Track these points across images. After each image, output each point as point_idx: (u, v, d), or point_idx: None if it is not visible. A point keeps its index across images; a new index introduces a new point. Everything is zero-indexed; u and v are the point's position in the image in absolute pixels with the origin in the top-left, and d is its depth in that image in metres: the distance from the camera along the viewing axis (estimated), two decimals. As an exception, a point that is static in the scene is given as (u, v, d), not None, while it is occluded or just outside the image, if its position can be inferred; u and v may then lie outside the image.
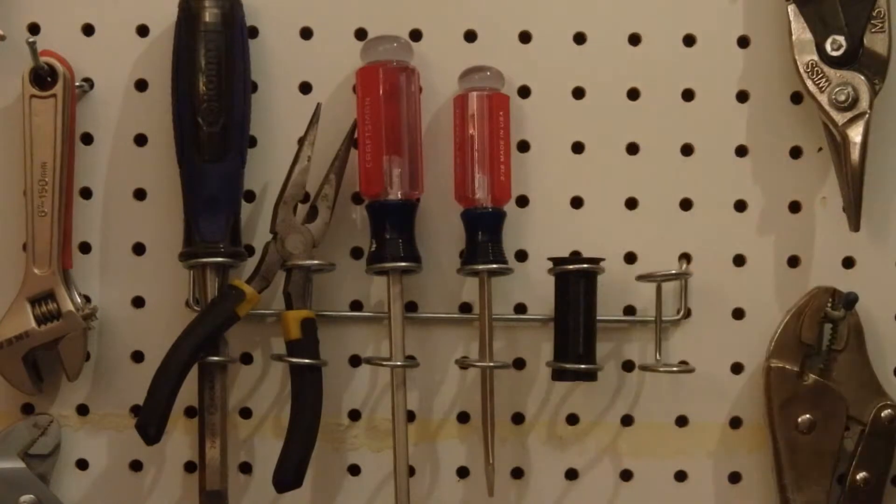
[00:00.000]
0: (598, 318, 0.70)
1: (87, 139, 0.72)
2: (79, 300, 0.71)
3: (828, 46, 0.70)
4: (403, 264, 0.69)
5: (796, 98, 0.72)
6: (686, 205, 0.73)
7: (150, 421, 0.66)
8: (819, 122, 0.71)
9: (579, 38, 0.72)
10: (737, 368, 0.73)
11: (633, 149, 0.73)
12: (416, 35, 0.72)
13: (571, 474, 0.73)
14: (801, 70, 0.70)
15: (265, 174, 0.72)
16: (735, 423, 0.73)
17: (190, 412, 0.73)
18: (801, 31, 0.70)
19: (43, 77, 0.69)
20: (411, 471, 0.72)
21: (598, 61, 0.72)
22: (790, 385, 0.71)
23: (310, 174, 0.69)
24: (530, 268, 0.73)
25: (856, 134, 0.69)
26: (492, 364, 0.70)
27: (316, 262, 0.70)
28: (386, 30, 0.71)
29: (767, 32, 0.72)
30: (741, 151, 0.73)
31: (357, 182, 0.70)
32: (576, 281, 0.69)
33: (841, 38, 0.69)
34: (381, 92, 0.68)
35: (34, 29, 0.72)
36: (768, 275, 0.73)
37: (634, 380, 0.73)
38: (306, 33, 0.72)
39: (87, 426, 0.73)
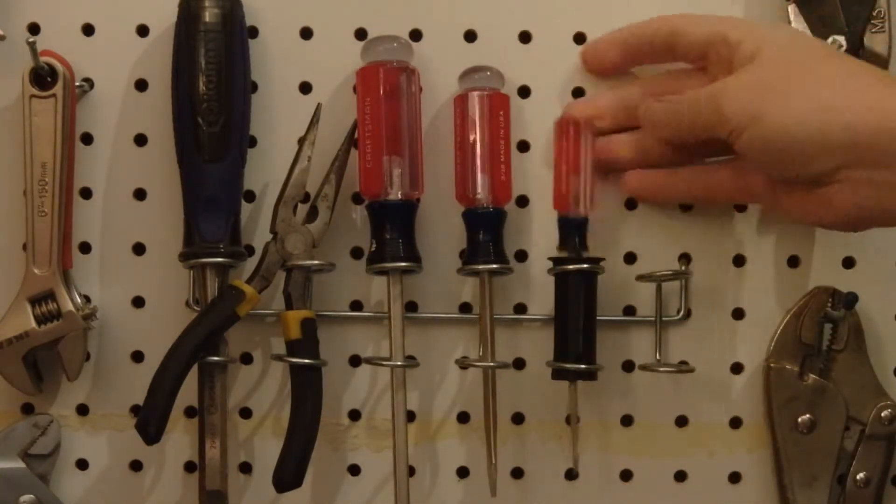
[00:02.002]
0: (598, 318, 0.70)
1: (87, 139, 0.72)
2: (79, 300, 0.71)
3: (828, 47, 0.70)
4: (403, 264, 0.69)
5: (796, 98, 0.72)
6: (686, 205, 0.73)
7: (150, 421, 0.66)
8: (819, 121, 0.71)
9: (579, 38, 0.72)
10: (737, 368, 0.73)
11: (633, 149, 0.73)
12: (416, 35, 0.72)
13: (571, 474, 0.73)
14: (802, 70, 0.70)
15: (265, 174, 0.72)
16: (735, 423, 0.73)
17: (190, 412, 0.73)
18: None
19: (43, 77, 0.69)
20: (411, 471, 0.72)
21: (598, 61, 0.72)
22: (790, 385, 0.71)
23: (310, 174, 0.69)
24: (530, 268, 0.73)
25: (856, 134, 0.69)
26: (492, 364, 0.70)
27: (316, 262, 0.70)
28: (386, 30, 0.71)
29: (767, 32, 0.72)
30: (741, 151, 0.72)
31: (357, 182, 0.70)
32: (576, 281, 0.69)
33: (841, 38, 0.69)
34: (381, 92, 0.68)
35: (34, 29, 0.72)
36: (768, 275, 0.73)
37: (634, 380, 0.73)
38: (306, 33, 0.72)
39: (87, 426, 0.73)
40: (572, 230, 0.69)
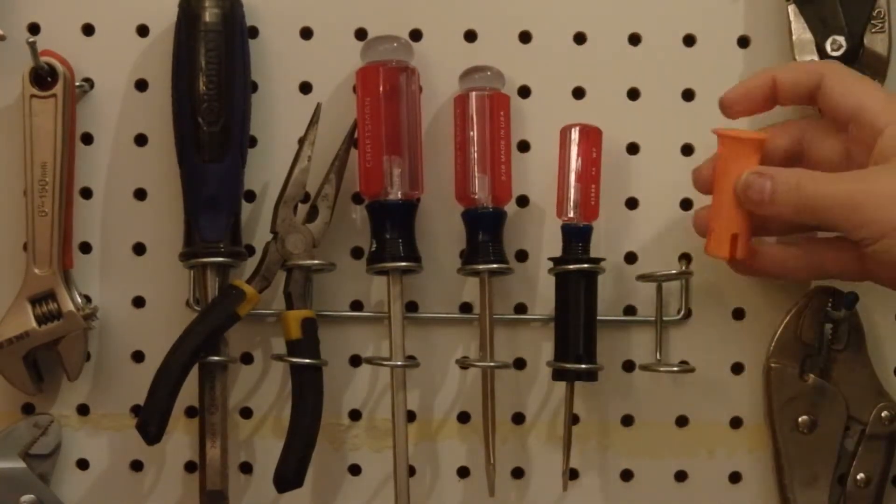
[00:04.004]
0: (598, 318, 0.70)
1: (87, 139, 0.72)
2: (79, 300, 0.71)
3: (828, 46, 0.70)
4: (403, 264, 0.69)
5: (796, 98, 0.72)
6: (686, 205, 0.73)
7: (151, 421, 0.66)
8: (820, 121, 0.71)
9: (579, 38, 0.72)
10: (737, 368, 0.73)
11: (633, 148, 0.73)
12: (416, 35, 0.72)
13: (571, 474, 0.73)
14: (802, 70, 0.70)
15: (265, 174, 0.72)
16: (735, 423, 0.73)
17: (190, 412, 0.73)
18: (801, 31, 0.70)
19: (43, 77, 0.69)
20: (411, 471, 0.72)
21: (598, 61, 0.72)
22: (790, 385, 0.71)
23: (310, 174, 0.69)
24: (530, 268, 0.73)
25: (856, 134, 0.69)
26: (492, 364, 0.70)
27: (316, 261, 0.70)
28: (386, 30, 0.71)
29: (767, 32, 0.72)
30: (741, 151, 0.72)
31: (357, 182, 0.70)
32: (576, 281, 0.69)
33: (841, 39, 0.70)
34: (381, 92, 0.69)
35: (34, 29, 0.72)
36: (769, 275, 0.73)
37: (635, 380, 0.73)
38: (306, 33, 0.72)
39: (87, 426, 0.73)
40: (576, 238, 0.69)
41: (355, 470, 0.74)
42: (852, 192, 0.61)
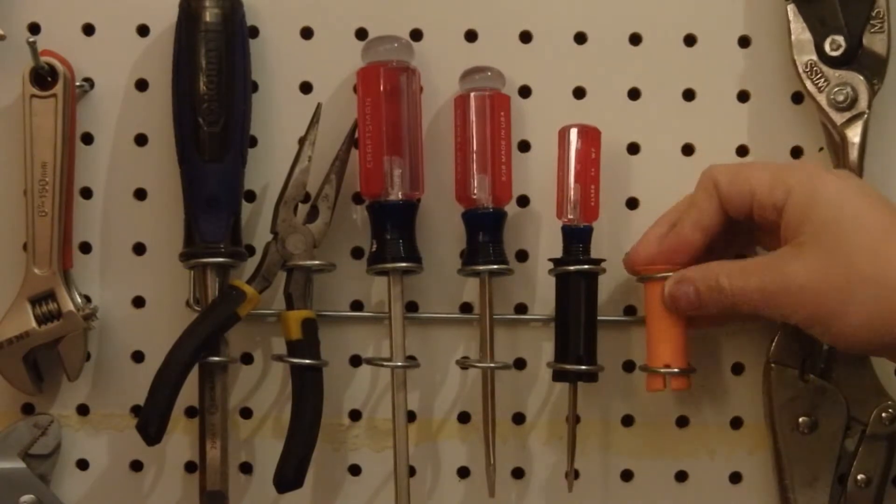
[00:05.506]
0: (598, 318, 0.70)
1: (88, 139, 0.72)
2: (79, 300, 0.71)
3: (827, 46, 0.70)
4: (404, 265, 0.69)
5: (797, 98, 0.72)
6: (686, 204, 0.73)
7: (151, 421, 0.66)
8: (819, 121, 0.71)
9: (579, 38, 0.72)
10: (737, 368, 0.73)
11: (633, 149, 0.73)
12: (416, 35, 0.72)
13: (572, 474, 0.73)
14: (801, 70, 0.70)
15: (265, 174, 0.72)
16: (735, 423, 0.73)
17: (190, 412, 0.73)
18: (800, 31, 0.70)
19: (43, 77, 0.69)
20: (412, 471, 0.72)
21: (599, 61, 0.72)
22: (791, 385, 0.71)
23: (310, 174, 0.69)
24: (531, 268, 0.73)
25: (854, 134, 0.69)
26: (493, 365, 0.70)
27: (316, 262, 0.70)
28: (386, 30, 0.71)
29: (768, 32, 0.72)
30: (742, 151, 0.73)
31: (358, 182, 0.70)
32: (576, 281, 0.69)
33: (840, 39, 0.70)
34: (381, 92, 0.68)
35: (34, 29, 0.72)
36: (769, 275, 0.73)
37: (635, 380, 0.73)
38: (307, 33, 0.72)
39: (87, 426, 0.73)
40: (576, 239, 0.69)
41: (355, 470, 0.74)
42: (765, 284, 0.62)
